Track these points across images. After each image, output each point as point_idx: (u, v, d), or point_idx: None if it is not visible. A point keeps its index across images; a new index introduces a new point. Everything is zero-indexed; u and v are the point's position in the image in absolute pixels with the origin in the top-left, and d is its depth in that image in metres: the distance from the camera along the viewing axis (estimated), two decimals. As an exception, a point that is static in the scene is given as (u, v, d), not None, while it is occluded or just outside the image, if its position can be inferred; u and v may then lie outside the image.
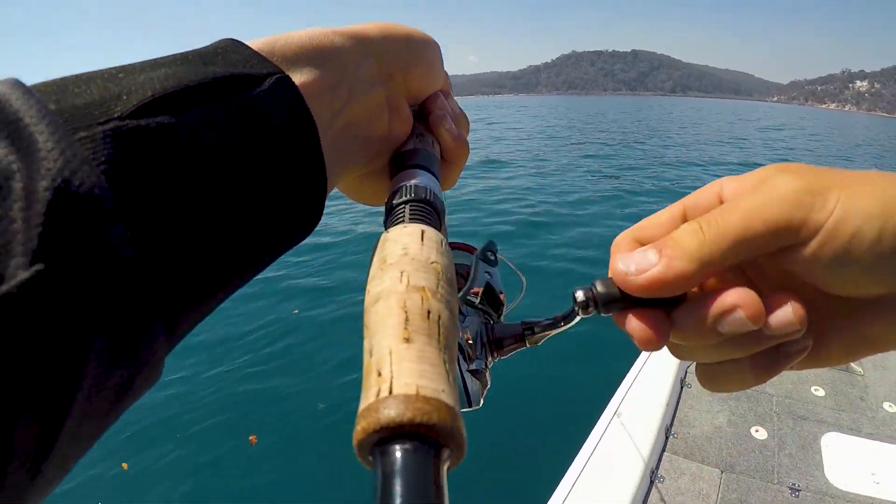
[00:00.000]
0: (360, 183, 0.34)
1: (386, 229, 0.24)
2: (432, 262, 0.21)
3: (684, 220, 0.28)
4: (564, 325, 0.32)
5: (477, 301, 0.37)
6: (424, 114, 0.36)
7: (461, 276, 0.38)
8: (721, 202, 0.27)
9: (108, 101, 0.19)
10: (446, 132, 0.34)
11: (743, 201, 0.24)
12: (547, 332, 0.36)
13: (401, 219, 0.25)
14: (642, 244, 0.27)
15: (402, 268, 0.21)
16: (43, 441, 0.15)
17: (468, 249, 0.42)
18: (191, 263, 0.19)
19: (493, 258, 0.42)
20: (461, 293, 0.37)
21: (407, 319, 0.19)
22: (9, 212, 0.15)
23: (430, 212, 0.26)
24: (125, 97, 0.19)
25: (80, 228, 0.16)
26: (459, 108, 0.39)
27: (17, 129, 0.17)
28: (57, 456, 0.16)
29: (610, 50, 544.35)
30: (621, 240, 0.29)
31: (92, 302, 0.16)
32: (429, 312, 0.20)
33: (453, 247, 0.41)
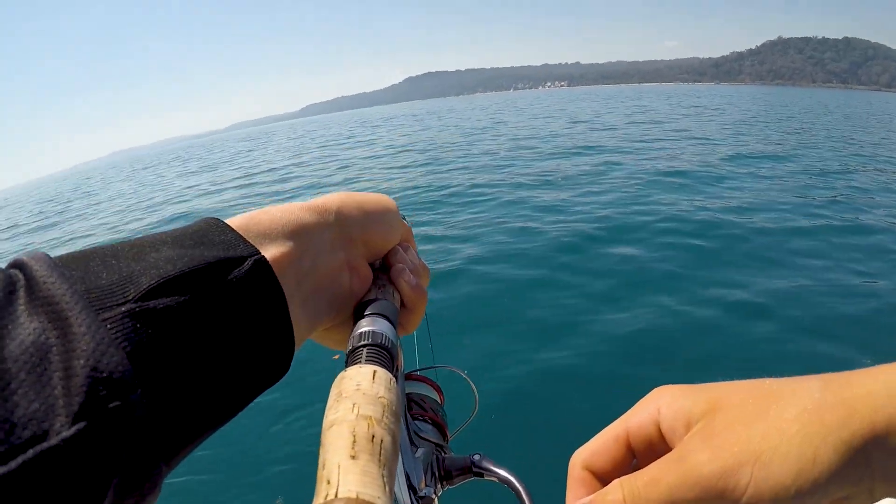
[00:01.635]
0: (328, 332, 0.40)
1: (346, 368, 0.31)
2: (380, 397, 0.28)
3: (627, 444, 0.31)
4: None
5: (429, 426, 0.43)
6: (387, 265, 0.42)
7: (416, 402, 0.44)
8: (658, 429, 0.30)
9: (125, 284, 0.25)
10: (405, 283, 0.41)
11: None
12: (493, 469, 0.41)
13: (359, 359, 0.31)
14: (593, 471, 0.31)
15: (355, 400, 0.27)
16: None
17: (431, 384, 0.48)
18: (188, 415, 0.25)
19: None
20: (415, 420, 0.43)
21: (355, 441, 0.25)
22: (50, 380, 0.20)
23: (383, 354, 0.32)
24: (137, 280, 0.25)
25: (109, 397, 0.21)
26: (419, 259, 0.46)
27: (55, 309, 0.22)
28: None
29: (819, 37, 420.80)
30: (573, 465, 0.32)
31: (115, 452, 0.20)
32: (373, 437, 0.26)
33: (418, 379, 0.48)
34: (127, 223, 11.02)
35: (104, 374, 0.21)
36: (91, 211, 15.70)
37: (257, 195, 11.38)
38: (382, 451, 0.26)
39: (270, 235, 0.33)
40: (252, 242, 0.31)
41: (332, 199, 0.38)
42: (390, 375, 0.30)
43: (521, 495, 0.40)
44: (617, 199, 7.12)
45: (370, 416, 0.27)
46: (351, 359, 0.32)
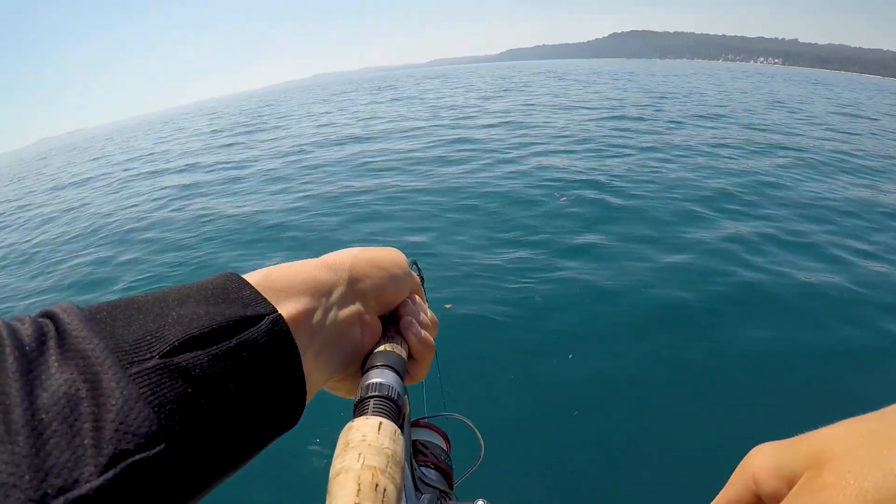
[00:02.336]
0: (339, 383, 0.42)
1: (353, 419, 0.33)
2: (384, 448, 0.31)
3: None
4: None
5: (434, 472, 0.44)
6: (396, 317, 0.44)
7: (421, 449, 0.46)
8: (757, 498, 0.27)
9: (151, 340, 0.26)
10: (413, 336, 0.43)
11: None
12: None
13: (365, 411, 0.34)
14: None
15: (361, 451, 0.30)
16: None
17: (437, 431, 0.49)
18: (205, 463, 0.27)
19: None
20: (419, 465, 0.44)
21: (359, 490, 0.28)
22: (80, 432, 0.21)
23: (389, 406, 0.34)
24: (163, 336, 0.27)
25: (135, 450, 0.22)
26: (428, 310, 0.48)
27: (86, 363, 0.23)
28: None
29: None
30: None
31: (139, 501, 0.22)
32: (377, 486, 0.28)
33: (424, 426, 0.49)
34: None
35: (131, 428, 0.23)
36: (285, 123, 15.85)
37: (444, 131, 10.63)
38: (385, 500, 0.28)
39: (286, 292, 0.35)
40: (269, 299, 0.33)
41: (345, 256, 0.41)
42: (395, 427, 0.33)
43: None
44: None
45: (374, 467, 0.29)
46: (358, 409, 0.34)
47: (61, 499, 0.19)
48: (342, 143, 10.65)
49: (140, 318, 0.28)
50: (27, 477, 0.19)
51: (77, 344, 0.24)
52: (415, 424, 0.48)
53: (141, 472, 0.22)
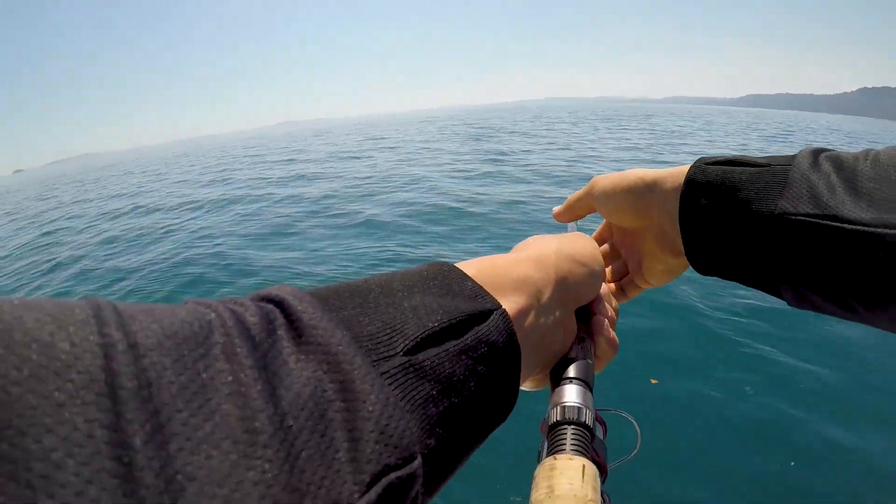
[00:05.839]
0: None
1: (548, 447, 0.30)
2: (590, 500, 0.27)
3: None
4: None
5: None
6: (587, 313, 0.40)
7: None
8: None
9: (392, 333, 0.23)
10: (603, 339, 0.39)
11: None
12: None
13: (562, 443, 0.30)
14: None
15: (567, 502, 0.26)
16: None
17: (599, 421, 0.45)
18: (444, 472, 0.24)
19: None
20: None
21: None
22: (332, 442, 0.18)
23: (587, 436, 0.31)
24: (402, 330, 0.23)
25: (396, 466, 0.19)
26: (613, 300, 0.44)
27: (331, 359, 0.20)
28: None
29: None
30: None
31: None
32: (582, 544, 0.25)
33: None
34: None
35: (392, 440, 0.19)
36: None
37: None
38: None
39: (502, 288, 0.31)
40: (495, 297, 0.30)
41: (549, 250, 0.37)
42: (596, 472, 0.29)
43: None
44: None
45: (581, 523, 0.26)
46: (555, 435, 0.31)
47: None
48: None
49: (371, 307, 0.24)
50: (283, 500, 0.16)
51: (316, 335, 0.20)
52: None
53: (399, 491, 0.19)
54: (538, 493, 0.27)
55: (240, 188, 10.39)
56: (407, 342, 0.23)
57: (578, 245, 0.40)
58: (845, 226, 0.32)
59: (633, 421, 0.46)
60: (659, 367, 2.75)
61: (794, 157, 0.38)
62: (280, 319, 0.20)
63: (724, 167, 0.40)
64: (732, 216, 0.38)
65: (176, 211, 8.70)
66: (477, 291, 0.29)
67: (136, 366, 0.15)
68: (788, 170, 0.36)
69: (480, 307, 0.28)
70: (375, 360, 0.21)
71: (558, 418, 0.32)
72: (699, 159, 0.43)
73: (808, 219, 0.34)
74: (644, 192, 0.45)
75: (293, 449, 0.17)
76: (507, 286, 0.32)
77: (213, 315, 0.19)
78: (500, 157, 11.12)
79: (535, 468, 0.30)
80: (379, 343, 0.22)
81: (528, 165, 9.73)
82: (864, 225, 0.31)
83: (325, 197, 7.99)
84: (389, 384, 0.21)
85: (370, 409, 0.19)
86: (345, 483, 0.17)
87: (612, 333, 0.40)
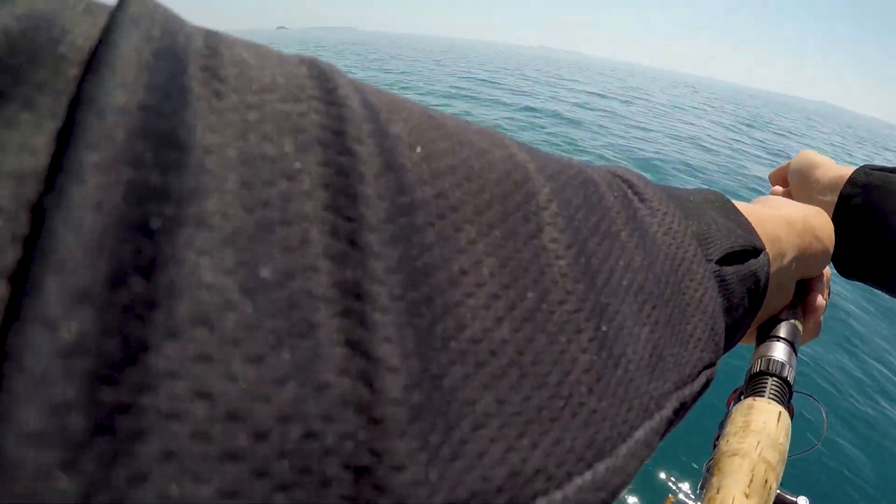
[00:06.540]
0: None
1: (747, 391, 0.30)
2: (780, 443, 0.27)
3: None
4: None
5: None
6: (804, 289, 0.38)
7: None
8: None
9: (709, 239, 0.23)
10: (812, 321, 0.37)
11: None
12: None
13: (762, 389, 0.30)
14: None
15: (760, 439, 0.27)
16: None
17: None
18: None
19: None
20: None
21: (752, 481, 0.25)
22: (683, 317, 0.19)
23: (785, 392, 0.30)
24: (712, 239, 0.23)
25: (710, 364, 0.20)
26: (829, 288, 0.41)
27: (678, 244, 0.20)
28: None
29: None
30: None
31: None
32: (766, 482, 0.26)
33: None
34: None
35: (716, 338, 0.20)
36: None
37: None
38: (767, 499, 0.26)
39: (761, 236, 0.29)
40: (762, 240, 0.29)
41: (797, 216, 0.34)
42: (790, 422, 0.29)
43: None
44: None
45: (769, 462, 0.26)
46: (754, 384, 0.31)
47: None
48: None
49: (692, 209, 0.24)
50: (655, 364, 0.17)
51: (667, 222, 0.20)
52: None
53: (701, 390, 0.20)
54: (733, 426, 0.28)
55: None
56: (717, 252, 0.23)
57: (821, 220, 0.37)
58: None
59: (822, 410, 0.43)
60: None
61: None
62: (635, 200, 0.20)
63: (888, 174, 0.42)
64: (886, 219, 0.38)
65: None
66: (750, 229, 0.28)
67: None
68: None
69: (757, 243, 0.27)
70: (705, 258, 0.21)
71: (762, 368, 0.32)
72: (870, 165, 0.45)
73: None
74: (809, 174, 0.49)
75: (665, 313, 0.18)
76: (767, 238, 0.30)
77: (590, 171, 0.19)
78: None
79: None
80: (705, 242, 0.23)
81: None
82: None
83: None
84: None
85: (706, 305, 0.20)
86: (688, 363, 0.18)
87: (820, 315, 0.38)
